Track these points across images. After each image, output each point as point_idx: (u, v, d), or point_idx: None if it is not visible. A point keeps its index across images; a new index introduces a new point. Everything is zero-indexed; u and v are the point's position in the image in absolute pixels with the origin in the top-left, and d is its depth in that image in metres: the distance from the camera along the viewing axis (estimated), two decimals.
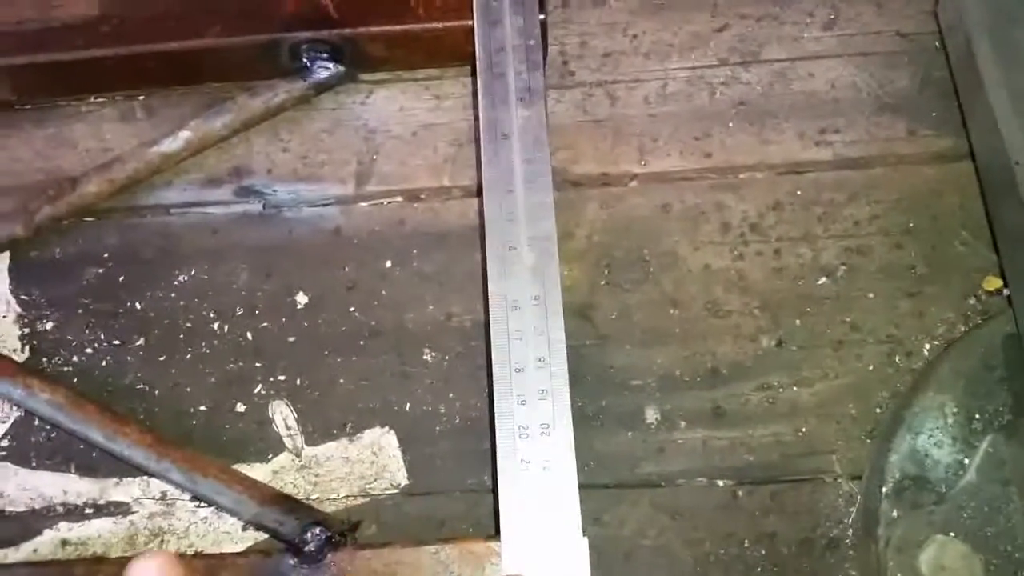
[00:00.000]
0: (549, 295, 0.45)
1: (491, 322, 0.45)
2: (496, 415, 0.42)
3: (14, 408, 0.53)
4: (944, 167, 0.55)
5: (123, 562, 0.44)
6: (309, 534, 0.42)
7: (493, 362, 0.43)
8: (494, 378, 0.43)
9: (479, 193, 0.55)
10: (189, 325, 0.55)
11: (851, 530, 0.47)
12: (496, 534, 0.41)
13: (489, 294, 0.45)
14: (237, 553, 0.45)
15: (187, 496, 0.51)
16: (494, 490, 0.44)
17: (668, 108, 0.57)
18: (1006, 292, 0.51)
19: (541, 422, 0.42)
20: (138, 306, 0.55)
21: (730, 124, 0.56)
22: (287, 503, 0.44)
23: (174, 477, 0.44)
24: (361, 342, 0.54)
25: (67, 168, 0.58)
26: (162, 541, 0.50)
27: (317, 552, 0.42)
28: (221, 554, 0.46)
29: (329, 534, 0.43)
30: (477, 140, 0.55)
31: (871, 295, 0.52)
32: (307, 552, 0.42)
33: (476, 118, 0.53)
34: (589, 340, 0.52)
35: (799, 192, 0.55)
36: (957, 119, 0.55)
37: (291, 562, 0.43)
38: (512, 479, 0.41)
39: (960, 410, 0.45)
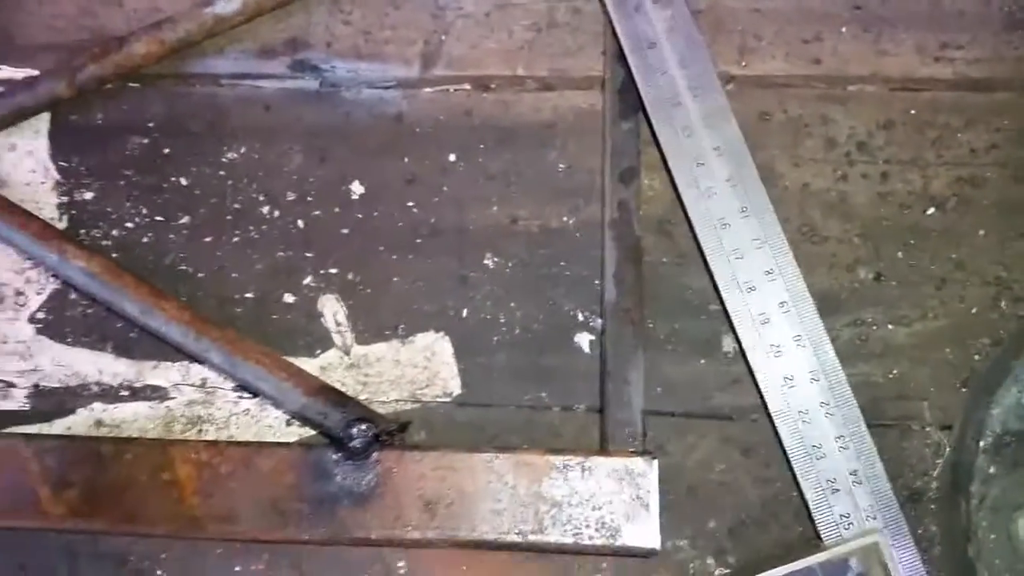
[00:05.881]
0: (756, 204, 0.42)
1: (703, 246, 0.43)
2: (739, 332, 0.43)
3: (51, 280, 0.51)
4: None
5: (156, 444, 0.42)
6: (355, 429, 0.39)
7: (720, 285, 0.43)
8: (727, 302, 0.43)
9: (606, 87, 0.50)
10: (237, 207, 0.51)
11: (936, 483, 0.44)
12: (556, 450, 0.38)
13: (692, 219, 0.43)
14: (277, 443, 0.43)
15: (229, 386, 0.48)
16: (601, 408, 0.42)
17: (775, 4, 0.51)
18: None
19: (794, 334, 0.42)
20: (184, 182, 0.52)
21: (843, 29, 0.50)
22: (334, 396, 0.41)
23: (213, 358, 0.41)
24: (418, 240, 0.50)
25: (112, 28, 0.53)
26: (200, 431, 0.48)
27: (363, 449, 0.40)
28: (260, 443, 0.43)
29: (377, 432, 0.40)
30: (609, 33, 0.48)
31: (981, 232, 0.47)
32: (352, 448, 0.39)
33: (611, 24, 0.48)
34: (667, 257, 0.48)
35: (913, 112, 0.49)
36: None
37: (334, 457, 0.40)
38: (764, 364, 0.42)
39: None
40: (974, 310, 0.46)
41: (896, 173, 0.48)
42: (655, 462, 0.39)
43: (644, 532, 0.38)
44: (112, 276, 0.43)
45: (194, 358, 0.47)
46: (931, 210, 0.48)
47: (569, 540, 0.38)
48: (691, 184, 0.43)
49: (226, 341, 0.42)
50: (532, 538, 0.38)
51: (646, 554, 0.39)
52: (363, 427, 0.40)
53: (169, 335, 0.42)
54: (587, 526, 0.38)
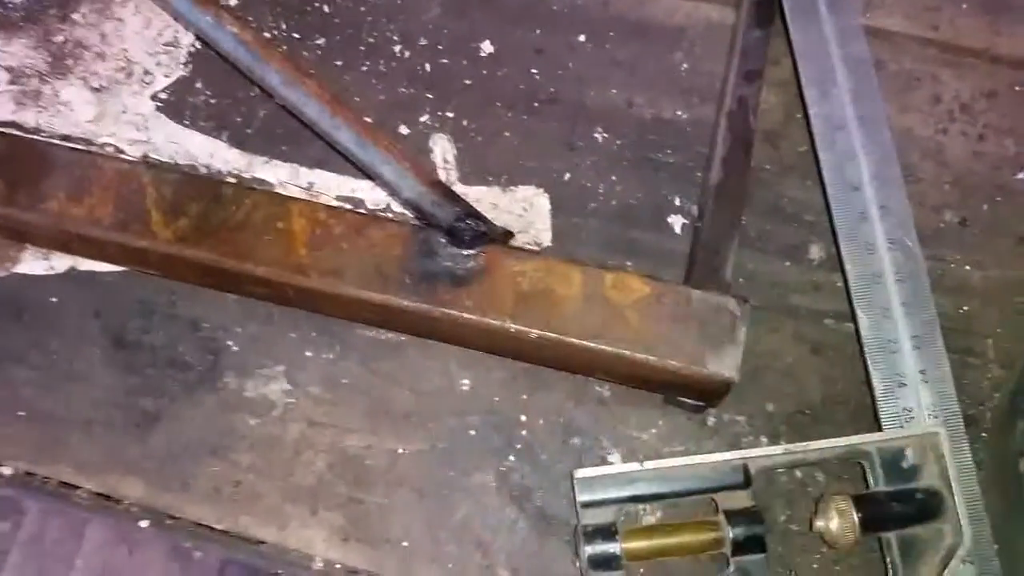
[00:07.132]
0: (872, 115, 0.45)
1: (818, 146, 0.46)
2: (836, 224, 0.45)
3: (180, 66, 0.53)
4: None
5: (276, 196, 0.43)
6: (465, 223, 0.41)
7: (827, 179, 0.45)
8: (831, 197, 0.45)
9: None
10: (372, 40, 0.54)
11: (989, 414, 0.45)
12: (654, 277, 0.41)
13: (811, 117, 0.46)
14: (390, 219, 0.45)
15: (333, 193, 0.50)
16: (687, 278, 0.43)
17: None
18: None
19: (889, 237, 0.44)
20: (326, 8, 0.54)
21: (963, 5, 0.54)
22: (449, 191, 0.42)
23: (343, 137, 0.42)
24: (536, 104, 0.52)
25: None
26: None
27: (470, 241, 0.41)
28: (374, 215, 0.45)
29: (485, 229, 0.41)
30: None
31: None
32: (461, 238, 0.41)
33: None
34: (770, 166, 0.50)
35: (1017, 88, 0.52)
36: None
37: (442, 240, 0.41)
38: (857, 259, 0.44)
39: None
40: None
41: (992, 137, 0.51)
42: (747, 305, 0.41)
43: (727, 362, 0.39)
44: (260, 46, 0.44)
45: (324, 135, 0.48)
46: (1021, 175, 0.50)
47: (654, 357, 0.39)
48: (816, 84, 0.46)
49: (359, 124, 0.43)
50: (609, 348, 0.39)
51: (723, 385, 0.40)
52: (473, 222, 0.41)
53: (306, 111, 0.44)
54: (671, 347, 0.39)
